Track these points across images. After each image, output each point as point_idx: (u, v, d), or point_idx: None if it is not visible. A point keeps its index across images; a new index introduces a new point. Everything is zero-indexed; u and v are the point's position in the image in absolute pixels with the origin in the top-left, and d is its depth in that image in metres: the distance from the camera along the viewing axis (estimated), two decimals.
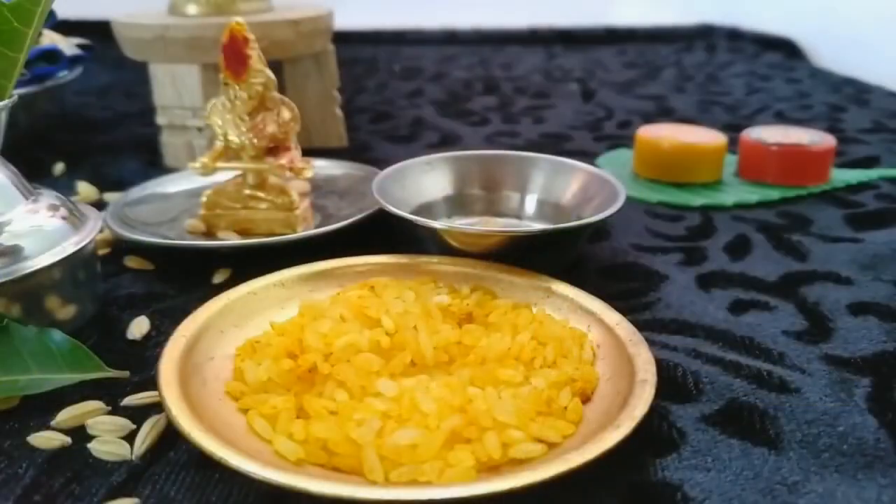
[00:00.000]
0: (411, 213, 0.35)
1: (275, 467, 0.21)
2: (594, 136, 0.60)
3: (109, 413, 0.26)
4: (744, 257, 0.38)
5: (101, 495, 0.22)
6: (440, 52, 1.00)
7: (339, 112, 0.55)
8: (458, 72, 0.87)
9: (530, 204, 0.40)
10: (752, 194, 0.46)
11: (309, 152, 0.41)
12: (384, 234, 0.37)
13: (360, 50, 0.98)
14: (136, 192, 0.43)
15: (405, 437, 0.22)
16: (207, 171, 0.38)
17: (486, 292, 0.31)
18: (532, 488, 0.20)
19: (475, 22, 1.09)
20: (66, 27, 0.59)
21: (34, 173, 0.35)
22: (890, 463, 0.23)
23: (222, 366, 0.27)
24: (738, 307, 0.33)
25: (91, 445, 0.24)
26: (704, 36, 1.07)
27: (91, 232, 0.31)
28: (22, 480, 0.23)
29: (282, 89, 0.39)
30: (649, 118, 0.64)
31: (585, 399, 0.25)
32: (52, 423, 0.25)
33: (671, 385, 0.27)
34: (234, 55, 0.37)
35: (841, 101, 0.70)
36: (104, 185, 0.47)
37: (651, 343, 0.27)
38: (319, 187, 0.44)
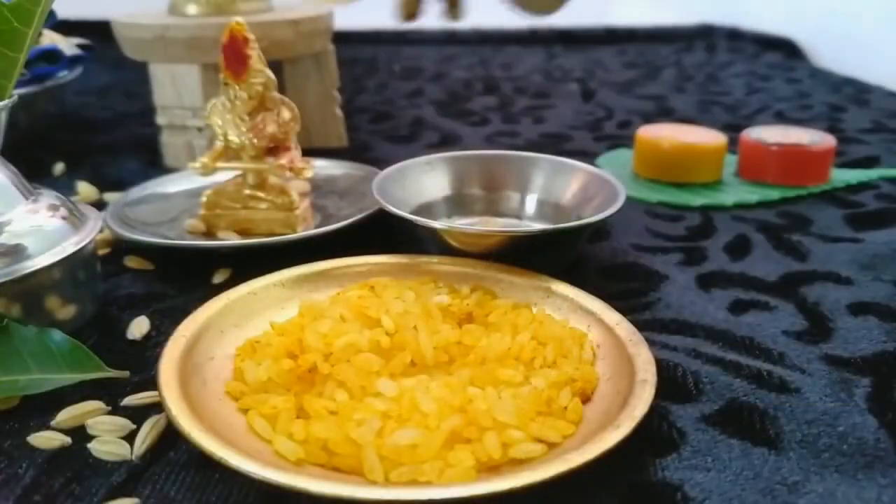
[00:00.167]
0: (411, 213, 0.35)
1: (275, 467, 0.21)
2: (594, 136, 0.60)
3: (109, 413, 0.26)
4: (744, 257, 0.38)
5: (101, 495, 0.22)
6: (440, 52, 1.00)
7: (339, 112, 0.55)
8: (458, 72, 0.87)
9: (530, 204, 0.40)
10: (752, 194, 0.46)
11: (309, 152, 0.41)
12: (384, 234, 0.37)
13: (360, 50, 0.98)
14: (136, 192, 0.43)
15: (405, 437, 0.22)
16: (207, 171, 0.38)
17: (486, 292, 0.31)
18: (532, 488, 0.20)
19: (475, 22, 1.09)
20: (66, 27, 0.59)
21: (34, 173, 0.35)
22: (890, 463, 0.23)
23: (222, 366, 0.27)
24: (738, 307, 0.33)
25: (91, 445, 0.24)
26: (704, 36, 1.07)
27: (91, 232, 0.31)
28: (22, 480, 0.23)
29: (282, 89, 0.39)
30: (649, 118, 0.64)
31: (585, 399, 0.25)
32: (52, 423, 0.25)
33: (671, 385, 0.27)
34: (234, 55, 0.37)
35: (841, 101, 0.70)
36: (104, 185, 0.47)
37: (651, 343, 0.27)
38: (319, 187, 0.44)
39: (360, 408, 0.23)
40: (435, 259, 0.33)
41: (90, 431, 0.25)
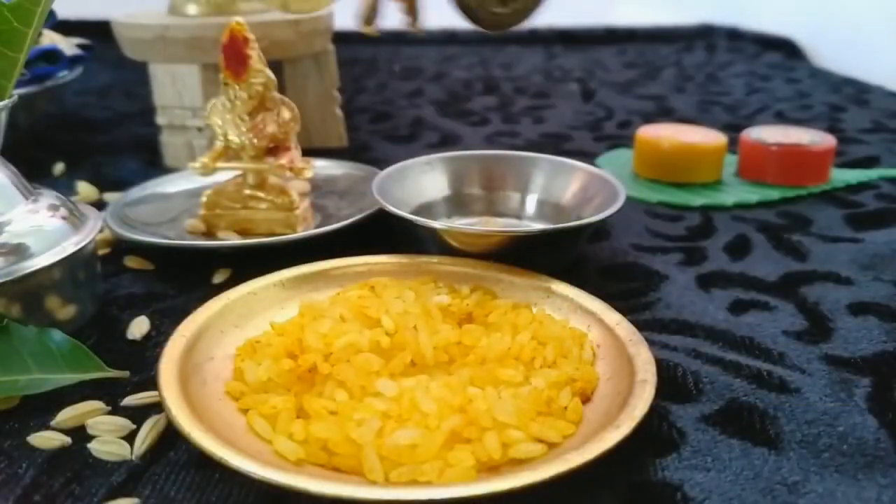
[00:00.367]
0: (411, 213, 0.35)
1: (275, 467, 0.21)
2: (594, 136, 0.60)
3: (109, 413, 0.26)
4: (744, 257, 0.38)
5: (101, 495, 0.22)
6: (440, 52, 1.00)
7: (339, 112, 0.55)
8: (458, 72, 0.87)
9: (530, 204, 0.40)
10: (752, 194, 0.46)
11: (309, 152, 0.41)
12: (384, 234, 0.37)
13: (360, 50, 0.98)
14: (136, 192, 0.43)
15: (405, 437, 0.22)
16: (207, 171, 0.38)
17: (486, 292, 0.31)
18: (532, 488, 0.20)
19: None
20: (66, 27, 0.59)
21: (34, 173, 0.34)
22: (890, 463, 0.23)
23: (222, 366, 0.27)
24: (738, 307, 0.33)
25: (91, 445, 0.24)
26: (704, 36, 1.07)
27: (91, 232, 0.31)
28: (22, 480, 0.23)
29: (282, 89, 0.39)
30: (649, 118, 0.64)
31: (585, 399, 0.25)
32: (52, 423, 0.25)
33: (671, 385, 0.27)
34: (234, 55, 0.37)
35: (841, 101, 0.70)
36: (104, 185, 0.47)
37: (651, 343, 0.27)
38: (319, 187, 0.44)
39: (360, 408, 0.23)
40: (435, 259, 0.33)
41: (90, 431, 0.25)
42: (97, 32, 0.65)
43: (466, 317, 0.29)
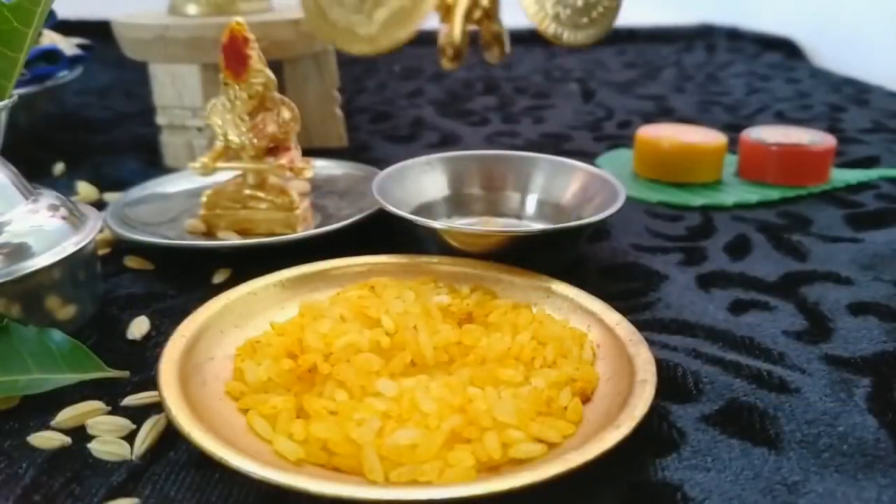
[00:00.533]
0: (411, 213, 0.35)
1: (275, 467, 0.21)
2: (594, 136, 0.60)
3: (109, 413, 0.26)
4: (744, 257, 0.38)
5: (101, 495, 0.22)
6: None
7: (339, 112, 0.55)
8: (458, 72, 0.87)
9: (530, 204, 0.40)
10: (752, 194, 0.46)
11: (309, 152, 0.41)
12: (384, 234, 0.37)
13: None
14: (136, 192, 0.43)
15: (405, 437, 0.22)
16: (207, 171, 0.38)
17: (486, 292, 0.31)
18: (532, 488, 0.20)
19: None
20: (66, 27, 0.59)
21: (34, 173, 0.35)
22: (890, 463, 0.23)
23: (222, 366, 0.27)
24: (738, 307, 0.33)
25: (91, 445, 0.24)
26: (704, 36, 1.07)
27: (91, 232, 0.31)
28: (22, 480, 0.23)
29: (282, 89, 0.39)
30: (649, 118, 0.64)
31: (585, 399, 0.25)
32: (52, 423, 0.25)
33: (671, 385, 0.27)
34: (234, 55, 0.37)
35: (841, 101, 0.70)
36: (104, 185, 0.47)
37: (651, 343, 0.27)
38: (319, 187, 0.44)
39: (360, 408, 0.23)
40: (435, 259, 0.33)
41: (90, 431, 0.25)
42: (97, 32, 0.65)
43: (466, 317, 0.29)
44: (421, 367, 0.26)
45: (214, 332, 0.28)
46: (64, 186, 0.46)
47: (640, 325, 0.28)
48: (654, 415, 0.25)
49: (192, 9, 0.49)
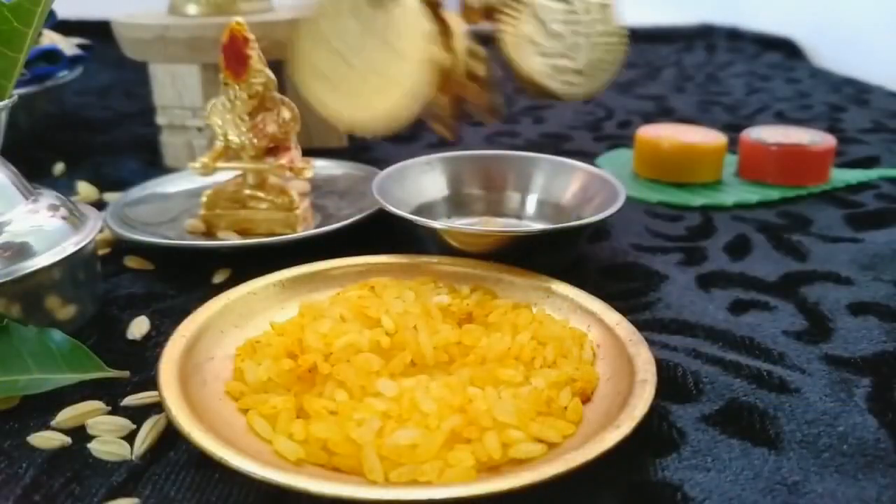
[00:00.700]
0: (411, 213, 0.35)
1: (275, 467, 0.21)
2: (594, 136, 0.60)
3: (109, 413, 0.26)
4: (744, 257, 0.38)
5: (101, 495, 0.22)
6: None
7: None
8: None
9: (530, 204, 0.40)
10: (752, 194, 0.46)
11: (309, 152, 0.41)
12: (384, 234, 0.37)
13: None
14: (136, 192, 0.43)
15: (405, 437, 0.22)
16: (207, 171, 0.38)
17: (486, 292, 0.31)
18: (532, 488, 0.20)
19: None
20: (66, 27, 0.59)
21: (34, 173, 0.35)
22: (890, 463, 0.23)
23: (222, 366, 0.27)
24: (738, 307, 0.33)
25: (91, 445, 0.24)
26: (704, 36, 1.07)
27: (91, 232, 0.31)
28: (22, 480, 0.23)
29: (282, 89, 0.39)
30: (649, 118, 0.64)
31: (585, 399, 0.25)
32: (52, 423, 0.25)
33: (671, 385, 0.27)
34: (234, 55, 0.37)
35: (841, 101, 0.71)
36: (104, 185, 0.47)
37: (651, 343, 0.27)
38: (319, 187, 0.44)
39: (360, 408, 0.23)
40: (435, 259, 0.33)
41: (90, 431, 0.25)
42: (97, 32, 0.65)
43: (466, 317, 0.29)
44: (421, 367, 0.26)
45: (214, 332, 0.28)
46: (64, 186, 0.46)
47: (640, 325, 0.28)
48: (654, 415, 0.25)
49: (192, 9, 0.49)
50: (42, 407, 0.26)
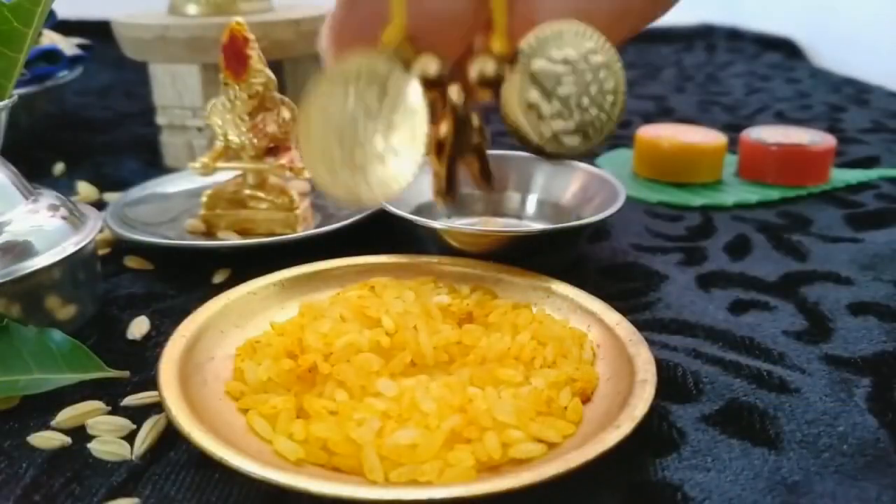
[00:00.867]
0: (411, 213, 0.35)
1: (275, 467, 0.21)
2: None
3: (109, 413, 0.26)
4: (744, 257, 0.38)
5: (101, 495, 0.22)
6: None
7: None
8: None
9: (530, 204, 0.40)
10: (752, 194, 0.46)
11: None
12: (384, 234, 0.37)
13: None
14: (136, 192, 0.43)
15: (405, 437, 0.22)
16: (207, 170, 0.38)
17: (486, 292, 0.31)
18: (532, 488, 0.20)
19: None
20: (66, 27, 0.59)
21: (34, 173, 0.35)
22: (890, 463, 0.23)
23: (222, 366, 0.27)
24: (738, 307, 0.33)
25: (91, 445, 0.24)
26: (704, 36, 1.07)
27: (91, 232, 0.31)
28: (22, 480, 0.23)
29: (282, 89, 0.39)
30: (649, 118, 0.64)
31: (585, 399, 0.25)
32: (52, 423, 0.25)
33: (671, 385, 0.27)
34: (234, 55, 0.37)
35: (841, 101, 0.71)
36: (104, 185, 0.47)
37: (651, 343, 0.27)
38: None
39: (360, 408, 0.23)
40: (435, 259, 0.33)
41: (90, 431, 0.25)
42: (97, 32, 0.65)
43: (466, 317, 0.29)
44: (421, 367, 0.26)
45: (214, 332, 0.28)
46: (64, 186, 0.46)
47: (640, 325, 0.28)
48: (654, 415, 0.25)
49: (192, 9, 0.49)
50: (42, 407, 0.26)
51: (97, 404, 0.26)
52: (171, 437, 0.24)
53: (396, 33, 0.19)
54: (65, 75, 0.54)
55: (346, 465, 0.22)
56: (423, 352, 0.26)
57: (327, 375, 0.25)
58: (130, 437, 0.24)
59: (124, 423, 0.25)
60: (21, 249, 0.28)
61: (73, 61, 0.55)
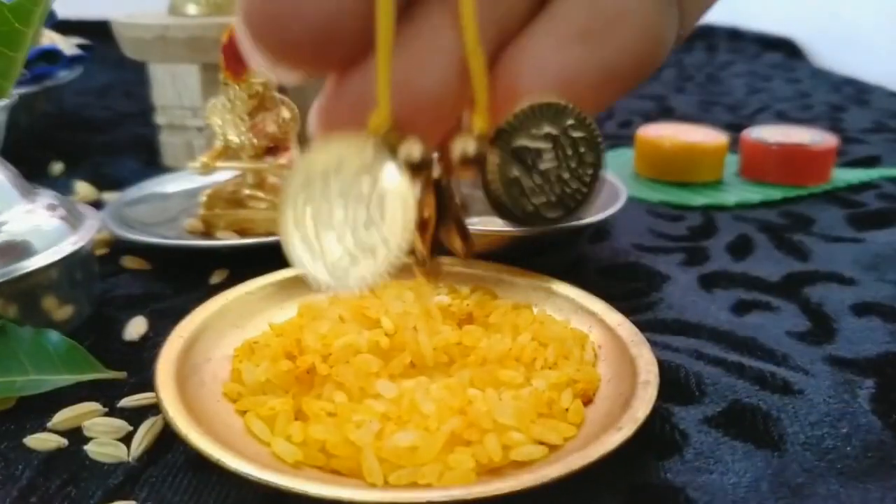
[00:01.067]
0: None
1: (273, 469, 0.20)
2: None
3: (106, 414, 0.25)
4: (746, 257, 0.38)
5: (97, 497, 0.22)
6: None
7: None
8: None
9: None
10: (753, 194, 0.46)
11: None
12: None
13: None
14: (135, 191, 0.43)
15: (404, 439, 0.22)
16: (207, 170, 0.38)
17: (486, 292, 0.31)
18: (533, 491, 0.20)
19: None
20: (66, 27, 0.59)
21: (34, 173, 0.34)
22: (895, 464, 0.23)
23: (220, 367, 0.26)
24: (740, 308, 0.32)
25: (88, 447, 0.24)
26: (704, 36, 1.07)
27: (89, 232, 0.30)
28: (18, 482, 0.22)
29: (281, 89, 0.38)
30: (650, 118, 0.64)
31: (587, 400, 0.25)
32: (49, 424, 0.25)
33: (673, 386, 0.27)
34: (234, 55, 0.36)
35: (841, 100, 0.70)
36: (103, 184, 0.47)
37: (653, 344, 0.27)
38: None
39: (359, 409, 0.23)
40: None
41: (87, 433, 0.24)
42: (97, 32, 0.65)
43: (466, 317, 0.29)
44: (420, 369, 0.26)
45: (212, 333, 0.27)
46: (63, 186, 0.45)
47: (642, 326, 0.28)
48: (657, 416, 0.25)
49: (192, 9, 0.49)
50: (39, 408, 0.25)
51: (94, 406, 0.26)
52: (169, 438, 0.24)
53: (383, 120, 0.19)
54: (64, 75, 0.54)
55: (344, 468, 0.22)
56: (423, 353, 0.26)
57: (326, 377, 0.25)
58: (127, 439, 0.24)
59: (121, 425, 0.25)
60: (18, 249, 0.28)
61: (72, 61, 0.55)
